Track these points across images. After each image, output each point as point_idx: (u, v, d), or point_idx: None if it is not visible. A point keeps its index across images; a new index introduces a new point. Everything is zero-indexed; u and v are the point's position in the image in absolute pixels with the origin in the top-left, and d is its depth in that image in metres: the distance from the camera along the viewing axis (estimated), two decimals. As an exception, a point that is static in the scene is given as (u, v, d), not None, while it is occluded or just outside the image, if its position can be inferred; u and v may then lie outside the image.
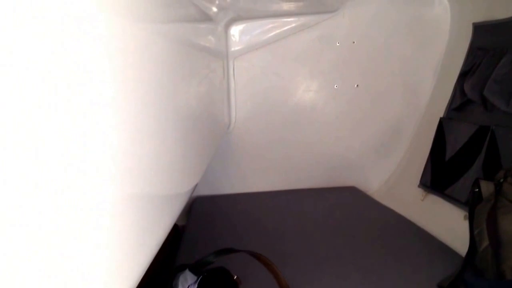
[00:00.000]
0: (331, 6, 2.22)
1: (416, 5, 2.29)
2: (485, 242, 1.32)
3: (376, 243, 1.74)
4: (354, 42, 2.32)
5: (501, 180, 1.42)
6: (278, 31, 2.27)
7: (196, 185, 1.33)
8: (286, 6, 2.15)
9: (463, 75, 2.03)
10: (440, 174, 2.05)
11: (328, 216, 2.06)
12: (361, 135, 2.48)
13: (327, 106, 2.41)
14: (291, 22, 2.27)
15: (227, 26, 2.21)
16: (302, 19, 2.26)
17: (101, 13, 0.48)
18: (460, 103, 2.03)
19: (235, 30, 2.25)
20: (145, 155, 0.66)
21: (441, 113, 2.18)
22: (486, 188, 1.42)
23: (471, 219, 1.43)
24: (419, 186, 2.19)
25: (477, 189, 1.44)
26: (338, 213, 2.11)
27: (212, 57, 1.68)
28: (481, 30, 2.02)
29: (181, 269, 1.23)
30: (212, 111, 1.67)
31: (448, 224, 1.86)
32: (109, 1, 0.51)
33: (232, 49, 2.26)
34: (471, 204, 1.45)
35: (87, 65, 0.44)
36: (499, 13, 1.89)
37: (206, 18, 1.59)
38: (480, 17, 2.02)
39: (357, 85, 2.39)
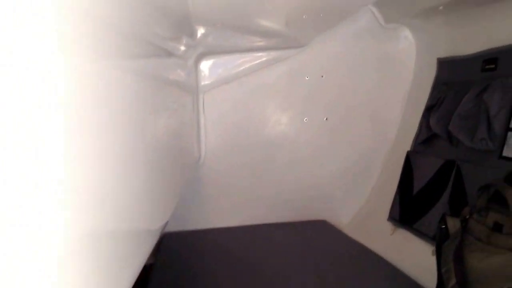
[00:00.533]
0: (300, 41, 2.24)
1: (382, 41, 2.33)
2: (453, 281, 1.30)
3: (345, 278, 1.72)
4: (322, 76, 2.34)
5: (467, 217, 1.42)
6: (248, 65, 2.28)
7: (167, 222, 1.28)
8: (256, 41, 2.16)
9: (429, 109, 2.06)
10: (408, 208, 2.05)
11: (299, 252, 2.03)
12: (331, 169, 2.48)
13: (297, 139, 2.41)
14: (261, 57, 2.28)
15: (197, 61, 2.21)
16: (272, 54, 2.27)
17: (62, 51, 0.46)
18: (427, 137, 2.05)
19: (205, 65, 2.25)
20: (109, 192, 0.63)
21: (408, 147, 2.20)
22: (453, 224, 1.42)
23: (439, 256, 1.42)
24: (388, 220, 2.18)
25: (444, 226, 1.43)
26: (308, 248, 2.08)
27: (181, 91, 1.66)
28: (446, 66, 2.06)
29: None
30: (181, 145, 1.64)
31: (417, 259, 1.85)
32: (69, 38, 0.48)
33: (202, 83, 2.25)
34: (438, 241, 1.44)
35: (48, 98, 0.42)
36: (462, 49, 1.93)
37: (175, 54, 1.58)
38: (445, 53, 2.07)
39: (326, 118, 2.39)
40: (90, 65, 0.55)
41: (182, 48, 1.79)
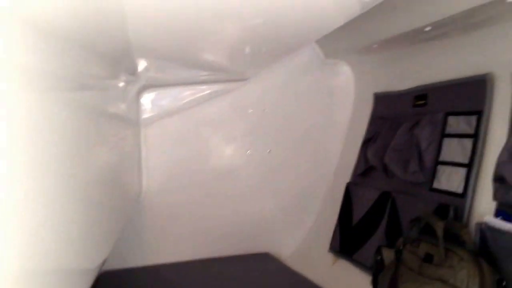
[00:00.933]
0: (243, 74, 2.28)
1: (323, 75, 2.41)
2: (387, 311, 1.34)
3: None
4: (265, 110, 2.38)
5: (401, 248, 1.48)
6: (191, 98, 2.28)
7: (105, 260, 1.25)
8: (198, 75, 2.18)
9: (366, 142, 2.14)
10: (348, 239, 2.09)
11: (242, 286, 2.02)
12: (274, 201, 2.50)
13: (241, 172, 2.42)
14: (204, 90, 2.29)
15: (139, 94, 2.18)
16: (215, 87, 2.29)
17: None
18: (364, 169, 2.12)
19: (147, 98, 2.22)
20: (38, 230, 0.61)
21: (348, 178, 2.26)
22: (388, 255, 1.47)
23: (375, 287, 1.46)
24: (329, 251, 2.21)
25: (379, 257, 1.48)
26: (252, 281, 2.07)
27: (122, 125, 1.64)
28: (381, 100, 2.16)
29: None
30: (121, 180, 1.61)
31: (356, 289, 1.89)
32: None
33: (144, 116, 2.22)
34: (374, 272, 1.49)
35: None
36: (396, 85, 2.03)
37: (114, 87, 1.57)
38: (380, 88, 2.17)
39: (269, 151, 2.43)
40: (23, 102, 0.55)
41: (122, 81, 1.78)
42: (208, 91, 2.29)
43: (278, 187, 2.49)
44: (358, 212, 2.06)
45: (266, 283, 2.06)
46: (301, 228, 2.53)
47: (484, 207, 1.45)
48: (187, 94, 2.28)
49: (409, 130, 1.81)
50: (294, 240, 2.53)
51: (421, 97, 1.83)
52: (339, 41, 2.10)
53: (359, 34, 1.87)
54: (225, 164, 2.40)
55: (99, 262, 1.13)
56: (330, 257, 2.20)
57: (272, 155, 2.43)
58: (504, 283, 1.20)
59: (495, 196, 1.36)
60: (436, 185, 1.65)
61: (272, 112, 2.40)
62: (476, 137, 1.50)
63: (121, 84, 1.73)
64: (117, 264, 2.18)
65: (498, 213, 1.35)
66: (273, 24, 1.43)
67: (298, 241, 2.52)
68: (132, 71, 1.91)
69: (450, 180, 1.58)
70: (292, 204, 2.52)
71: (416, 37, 1.67)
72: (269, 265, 2.33)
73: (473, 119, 1.53)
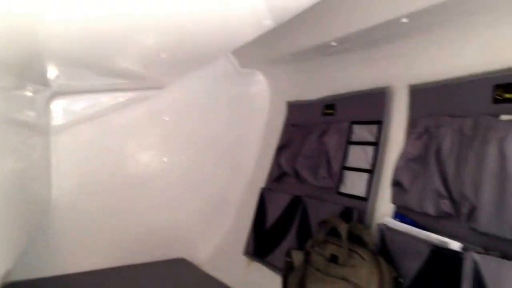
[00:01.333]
0: (159, 83, 2.28)
1: (239, 84, 2.46)
2: (296, 311, 1.41)
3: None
4: (182, 117, 2.39)
5: (309, 250, 1.55)
6: (105, 105, 2.22)
7: (9, 270, 1.20)
8: (113, 82, 2.14)
9: (280, 149, 2.22)
10: (262, 242, 2.15)
11: None
12: (190, 207, 2.51)
13: (157, 179, 2.41)
14: (119, 97, 2.25)
15: (49, 101, 2.10)
16: (131, 94, 2.26)
17: None
18: (278, 175, 2.19)
19: (58, 105, 2.12)
20: None
21: (263, 183, 2.33)
22: (297, 257, 1.53)
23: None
24: (244, 255, 2.26)
25: (289, 259, 1.54)
26: (166, 287, 2.07)
27: (30, 132, 1.58)
28: (294, 109, 2.25)
29: None
30: (28, 189, 1.55)
31: (270, 291, 1.94)
32: None
33: (54, 123, 2.13)
34: (284, 274, 1.55)
35: None
36: (308, 94, 2.13)
37: (23, 94, 1.51)
38: (293, 97, 2.26)
39: (186, 158, 2.44)
40: None
41: (31, 88, 1.72)
42: (123, 99, 2.26)
43: (194, 193, 2.50)
44: (272, 216, 2.13)
45: (179, 287, 2.07)
46: (216, 233, 2.56)
47: (384, 209, 1.56)
48: (101, 101, 2.22)
49: (319, 138, 1.91)
50: (210, 245, 2.55)
51: (329, 106, 1.94)
52: (254, 51, 2.16)
53: (272, 45, 1.94)
54: (140, 171, 2.37)
55: (1, 273, 1.09)
56: (244, 260, 2.26)
57: (188, 162, 2.45)
58: (400, 280, 1.31)
59: (393, 200, 1.48)
60: (342, 189, 1.75)
61: (189, 120, 2.41)
62: (377, 144, 1.62)
63: (30, 91, 1.67)
64: (25, 274, 2.08)
65: (396, 215, 1.47)
66: (188, 35, 1.45)
67: (213, 246, 2.55)
68: (42, 79, 1.84)
69: (355, 184, 1.69)
70: (208, 209, 2.55)
71: (325, 51, 1.77)
72: (185, 270, 2.33)
73: (374, 128, 1.65)
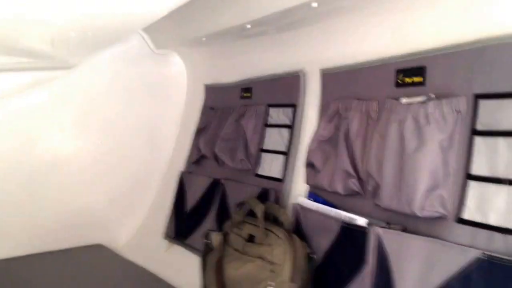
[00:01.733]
0: (68, 62, 2.17)
1: (155, 65, 2.42)
2: (214, 291, 1.44)
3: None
4: (95, 99, 2.31)
5: (228, 230, 1.59)
6: (9, 86, 2.09)
7: None
8: (17, 61, 2.02)
9: (199, 132, 2.23)
10: (182, 225, 2.16)
11: (76, 279, 1.96)
12: (107, 191, 2.46)
13: (70, 164, 2.32)
14: (25, 77, 2.13)
15: None
16: (38, 74, 2.14)
17: None
18: (197, 158, 2.20)
19: None
20: None
21: (182, 167, 2.34)
22: (216, 238, 1.56)
23: (204, 270, 1.55)
24: (164, 238, 2.26)
25: (208, 240, 1.57)
26: (83, 274, 2.02)
27: None
28: (211, 92, 2.26)
29: None
30: None
31: (190, 273, 1.95)
32: None
33: None
34: (203, 255, 1.58)
35: None
36: (226, 77, 2.15)
37: None
38: (211, 80, 2.27)
39: (101, 141, 2.37)
40: None
41: None
42: (30, 79, 2.13)
43: (111, 177, 2.45)
44: (191, 199, 2.14)
45: (99, 274, 2.03)
46: (135, 217, 2.54)
47: (299, 190, 1.62)
48: (5, 81, 2.09)
49: (236, 121, 1.94)
50: (129, 230, 2.53)
51: (246, 89, 1.97)
52: (169, 32, 2.13)
53: (187, 26, 1.92)
54: (52, 155, 2.26)
55: None
56: (165, 243, 2.26)
57: (103, 145, 2.38)
58: (312, 256, 1.38)
59: (307, 180, 1.54)
60: (260, 171, 1.80)
61: (102, 101, 2.33)
62: (292, 127, 1.67)
63: None
64: None
65: (309, 195, 1.53)
66: (95, 11, 1.40)
67: (133, 231, 2.53)
68: None
69: (271, 166, 1.74)
70: (126, 193, 2.51)
71: (240, 33, 1.78)
72: (103, 256, 2.30)
73: (289, 111, 1.70)
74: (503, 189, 0.97)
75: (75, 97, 2.26)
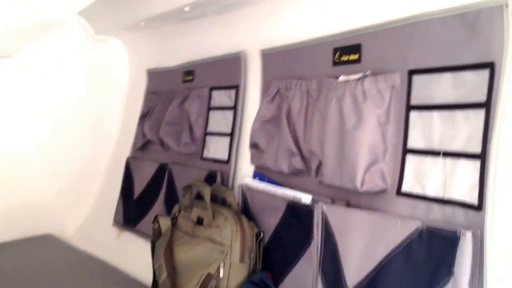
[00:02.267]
0: (5, 51, 2.08)
1: (95, 51, 2.36)
2: (164, 275, 1.43)
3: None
4: (35, 87, 2.23)
5: (176, 214, 1.58)
6: None
7: None
8: None
9: (143, 117, 2.19)
10: (131, 211, 2.14)
11: (25, 270, 1.90)
12: (54, 181, 2.39)
13: (14, 153, 2.24)
14: None
15: None
16: None
17: None
18: (143, 143, 2.17)
19: None
20: None
21: (128, 153, 2.30)
22: (164, 223, 1.55)
23: (153, 254, 1.54)
24: (113, 225, 2.23)
25: (157, 225, 1.55)
26: (32, 265, 1.97)
27: None
28: (153, 76, 2.23)
29: None
30: None
31: (141, 259, 1.93)
32: None
33: None
34: (152, 240, 1.56)
35: None
36: (167, 61, 2.12)
37: None
38: (152, 64, 2.23)
39: (44, 131, 2.30)
40: None
41: None
42: None
43: (56, 166, 2.38)
44: (139, 185, 2.12)
45: (49, 264, 1.98)
46: (83, 206, 2.49)
47: (245, 171, 1.64)
48: None
49: (180, 105, 1.91)
50: (77, 219, 2.48)
51: (189, 73, 1.95)
52: (107, 17, 2.08)
53: (126, 11, 1.88)
54: None
55: None
56: (114, 231, 2.23)
57: (47, 133, 2.31)
58: (260, 235, 1.40)
59: (252, 161, 1.55)
60: (206, 154, 1.79)
61: (43, 90, 2.26)
62: (236, 109, 1.67)
63: None
64: None
65: (255, 175, 1.55)
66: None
67: (81, 219, 2.48)
68: None
69: (217, 149, 1.74)
70: (73, 182, 2.45)
71: (179, 16, 1.76)
72: (51, 246, 2.24)
73: (232, 93, 1.70)
74: (439, 160, 1.01)
75: (13, 85, 2.17)
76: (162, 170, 1.99)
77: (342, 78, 1.21)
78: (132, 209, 2.13)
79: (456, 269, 0.89)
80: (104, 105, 2.48)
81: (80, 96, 2.38)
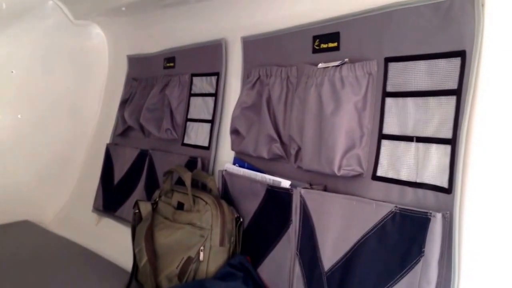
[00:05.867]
0: None
1: (74, 36, 2.35)
2: (144, 258, 1.45)
3: (54, 275, 1.69)
4: (13, 72, 2.21)
5: (157, 200, 1.60)
6: None
7: None
8: None
9: (124, 103, 2.19)
10: (110, 197, 2.15)
11: (3, 256, 1.90)
12: (32, 167, 2.38)
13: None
14: None
15: None
16: None
17: None
18: (123, 130, 2.18)
19: None
20: None
21: (108, 139, 2.30)
22: (145, 208, 1.57)
23: (134, 239, 1.56)
24: (93, 211, 2.24)
25: (137, 210, 1.57)
26: (10, 252, 1.96)
27: None
28: (134, 62, 2.23)
29: None
30: None
31: (120, 244, 1.95)
32: None
33: None
34: (132, 225, 1.58)
35: None
36: (148, 48, 2.12)
37: None
38: (133, 50, 2.23)
39: (20, 116, 2.28)
40: None
41: None
42: None
43: (35, 152, 2.38)
44: (119, 171, 2.13)
45: (27, 249, 1.98)
46: (62, 192, 2.49)
47: (226, 157, 1.66)
48: None
49: (161, 91, 1.92)
50: (56, 205, 2.47)
51: (170, 59, 1.95)
52: (87, 2, 2.07)
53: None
54: None
55: None
56: (94, 217, 2.24)
57: (24, 120, 2.30)
58: (240, 219, 1.43)
59: (232, 147, 1.57)
60: (186, 140, 1.81)
61: (22, 74, 2.25)
62: (217, 95, 1.69)
63: None
64: None
65: (235, 161, 1.57)
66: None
67: (59, 205, 2.47)
68: None
69: (198, 135, 1.76)
70: (51, 168, 2.45)
71: (160, 2, 1.76)
72: (29, 232, 2.23)
73: (213, 79, 1.71)
74: (412, 146, 1.05)
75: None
76: (142, 156, 2.00)
77: (321, 65, 1.24)
78: (112, 195, 2.14)
79: (426, 249, 0.93)
80: (83, 91, 2.47)
81: (59, 81, 2.38)
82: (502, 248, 0.88)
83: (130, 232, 1.83)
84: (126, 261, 1.75)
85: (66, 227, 2.28)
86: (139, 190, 1.96)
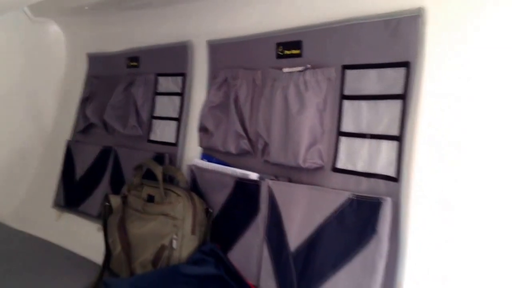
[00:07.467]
0: None
1: (31, 33, 2.36)
2: (118, 248, 1.55)
3: (19, 271, 1.72)
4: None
5: (126, 193, 1.69)
6: None
7: None
8: None
9: (85, 101, 2.24)
10: (72, 193, 2.20)
11: None
12: None
13: None
14: None
15: None
16: None
17: None
18: (84, 127, 2.23)
19: None
20: None
21: (68, 136, 2.34)
22: (115, 201, 1.65)
23: (105, 230, 1.65)
24: (53, 207, 2.27)
25: (108, 203, 1.65)
26: None
27: None
28: (95, 61, 2.27)
29: None
30: None
31: (84, 238, 2.01)
32: None
33: None
34: (103, 217, 1.66)
35: None
36: (110, 47, 2.18)
37: None
38: (94, 49, 2.27)
39: None
40: None
41: None
42: None
43: None
44: (81, 168, 2.18)
45: None
46: (20, 188, 2.48)
47: (193, 153, 1.77)
48: None
49: (125, 89, 2.00)
50: (14, 201, 2.46)
51: (133, 59, 2.03)
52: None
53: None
54: None
55: None
56: (54, 212, 2.27)
57: None
58: (210, 210, 1.56)
59: (200, 143, 1.69)
60: (152, 137, 1.91)
61: None
62: (183, 95, 1.80)
63: None
64: None
65: (203, 156, 1.69)
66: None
67: (18, 202, 2.47)
68: None
69: (164, 132, 1.86)
70: (10, 165, 2.45)
71: (124, 4, 1.83)
72: None
73: (179, 79, 1.82)
74: (366, 142, 1.22)
75: None
76: (106, 152, 2.06)
77: (286, 69, 1.39)
78: (75, 191, 2.18)
79: (378, 228, 1.10)
80: (40, 88, 2.47)
81: (14, 78, 2.37)
82: (439, 224, 1.08)
83: (93, 225, 1.91)
84: (93, 253, 1.82)
85: (24, 223, 2.27)
86: (104, 185, 2.03)
